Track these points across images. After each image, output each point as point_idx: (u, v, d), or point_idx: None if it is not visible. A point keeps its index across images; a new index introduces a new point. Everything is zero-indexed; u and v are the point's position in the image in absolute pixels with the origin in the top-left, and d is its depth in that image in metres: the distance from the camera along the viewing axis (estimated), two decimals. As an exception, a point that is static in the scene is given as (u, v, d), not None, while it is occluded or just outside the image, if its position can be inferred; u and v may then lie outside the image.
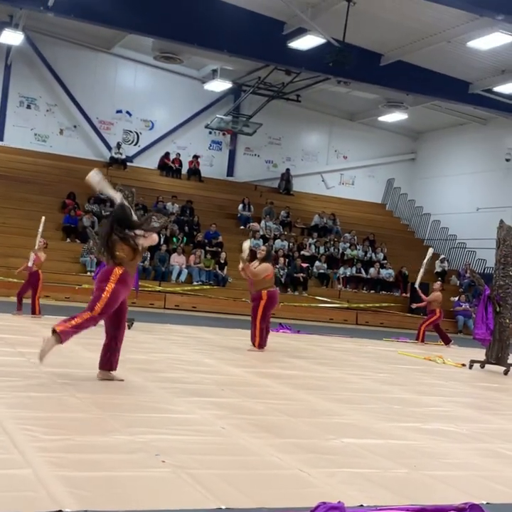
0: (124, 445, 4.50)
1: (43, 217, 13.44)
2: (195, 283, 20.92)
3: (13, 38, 22.21)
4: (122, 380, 6.75)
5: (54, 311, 14.12)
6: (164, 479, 3.94)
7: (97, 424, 4.99)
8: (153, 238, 6.72)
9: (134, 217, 6.79)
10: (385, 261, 24.89)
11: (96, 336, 9.05)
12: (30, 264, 12.73)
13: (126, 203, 6.99)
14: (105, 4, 18.50)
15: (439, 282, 17.20)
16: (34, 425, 4.70)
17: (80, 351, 8.31)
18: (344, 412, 6.49)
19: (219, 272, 21.38)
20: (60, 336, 6.32)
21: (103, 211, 22.09)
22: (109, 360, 6.75)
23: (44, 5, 18.32)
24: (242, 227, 24.86)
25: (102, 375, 6.75)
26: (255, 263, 11.23)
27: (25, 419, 4.85)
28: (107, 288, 6.47)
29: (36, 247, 12.91)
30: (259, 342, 10.73)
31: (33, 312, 12.64)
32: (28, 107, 24.68)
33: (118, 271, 6.51)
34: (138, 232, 6.60)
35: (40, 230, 13.15)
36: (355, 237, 25.66)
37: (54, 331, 6.31)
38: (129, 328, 11.74)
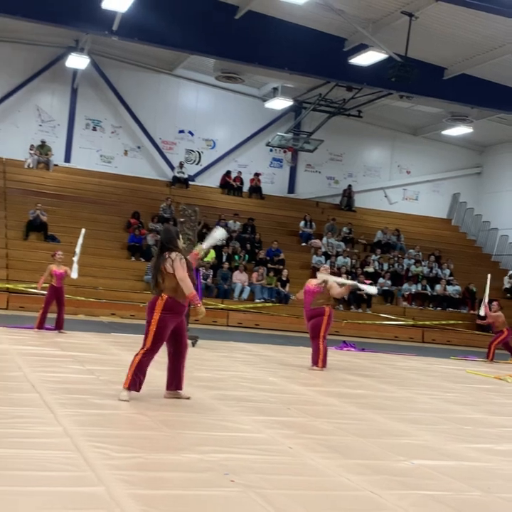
0: (194, 464, 4.51)
1: (83, 230, 13.50)
2: (257, 300, 20.95)
3: (79, 62, 22.82)
4: (189, 398, 6.78)
5: (120, 329, 14.36)
6: (234, 499, 3.93)
7: (166, 443, 5.02)
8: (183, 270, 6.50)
9: (179, 242, 6.71)
10: (452, 277, 24.45)
11: (162, 353, 9.14)
12: (74, 275, 12.66)
13: (171, 227, 7.10)
14: (167, 27, 18.83)
15: (495, 302, 16.76)
16: (105, 443, 4.76)
17: (148, 369, 8.38)
18: (413, 432, 6.36)
19: (281, 289, 21.36)
20: (130, 388, 6.47)
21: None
22: (174, 380, 6.80)
23: (109, 29, 18.76)
24: (303, 244, 24.81)
25: (169, 395, 6.80)
26: (313, 280, 11.14)
27: (97, 437, 4.92)
28: (152, 320, 6.54)
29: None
30: (324, 360, 10.59)
31: (60, 327, 12.39)
32: (94, 129, 25.26)
33: (160, 301, 6.52)
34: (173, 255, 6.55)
35: (80, 241, 13.19)
36: (420, 253, 25.30)
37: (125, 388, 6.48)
38: (193, 345, 11.82)
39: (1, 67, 23.56)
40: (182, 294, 6.52)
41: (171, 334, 6.67)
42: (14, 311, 16.59)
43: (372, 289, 11.01)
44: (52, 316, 12.45)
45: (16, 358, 8.66)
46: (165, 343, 6.69)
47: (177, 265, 6.47)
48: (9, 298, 17.68)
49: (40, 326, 12.31)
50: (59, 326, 12.37)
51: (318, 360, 10.56)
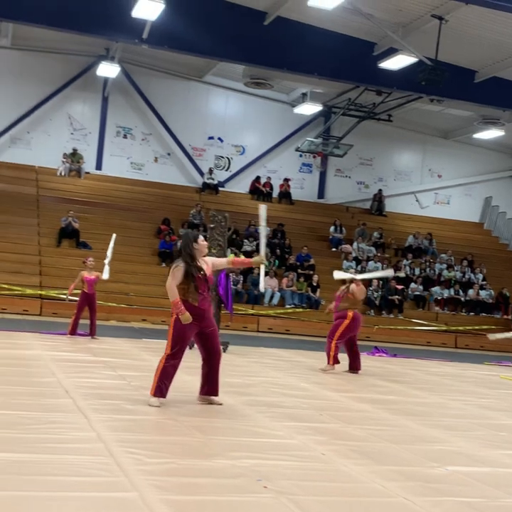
0: (226, 470, 4.51)
1: (114, 235, 13.59)
2: (287, 306, 20.92)
3: (109, 70, 23.06)
4: (221, 404, 6.79)
5: (151, 335, 14.43)
6: (267, 505, 3.92)
7: (198, 448, 5.03)
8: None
9: (196, 245, 6.70)
10: (484, 282, 24.19)
11: (193, 359, 9.15)
12: (105, 276, 12.71)
13: (189, 232, 7.06)
14: (197, 34, 18.94)
15: None
16: (138, 448, 4.78)
17: (178, 375, 8.40)
18: (447, 438, 6.30)
19: (311, 294, 21.31)
20: (155, 395, 6.49)
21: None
22: (206, 385, 6.80)
23: (139, 38, 18.92)
24: (333, 249, 24.73)
25: (201, 400, 6.82)
26: (343, 287, 11.10)
27: (129, 442, 4.94)
28: (170, 324, 6.60)
29: (89, 267, 12.71)
30: (334, 357, 10.59)
31: (93, 333, 12.46)
32: (125, 136, 25.47)
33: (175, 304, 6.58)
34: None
35: (112, 245, 13.27)
36: (452, 258, 25.06)
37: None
38: (224, 351, 11.83)
39: (34, 76, 23.88)
40: (194, 296, 6.52)
41: (198, 339, 6.69)
42: (47, 318, 16.77)
43: (388, 272, 10.91)
44: (84, 322, 12.55)
45: (50, 363, 8.75)
46: (198, 348, 6.71)
47: (170, 274, 6.60)
48: (42, 304, 17.88)
49: (73, 331, 12.42)
50: (92, 332, 12.47)
51: (329, 358, 10.59)
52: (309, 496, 4.12)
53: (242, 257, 6.82)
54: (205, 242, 6.85)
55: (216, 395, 6.83)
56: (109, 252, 13.13)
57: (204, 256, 6.83)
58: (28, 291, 18.35)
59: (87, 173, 24.39)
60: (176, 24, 18.40)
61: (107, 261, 12.91)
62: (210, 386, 6.81)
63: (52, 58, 23.99)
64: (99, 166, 24.93)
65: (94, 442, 4.92)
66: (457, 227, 28.28)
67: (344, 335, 10.69)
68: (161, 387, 6.50)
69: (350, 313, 10.71)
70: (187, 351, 6.79)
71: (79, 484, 3.95)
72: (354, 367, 10.84)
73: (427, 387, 10.20)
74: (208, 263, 6.80)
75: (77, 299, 12.75)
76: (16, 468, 4.13)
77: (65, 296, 13.44)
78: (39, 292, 18.40)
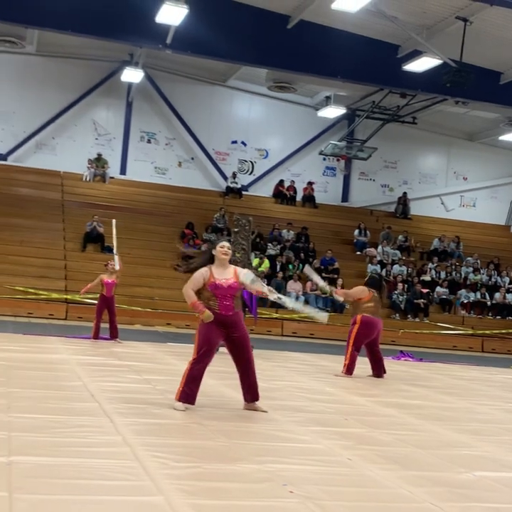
0: (252, 474, 4.50)
1: (114, 220, 13.67)
2: (312, 310, 20.84)
3: (133, 75, 23.22)
4: (265, 411, 6.73)
5: (176, 339, 14.48)
6: (293, 510, 3.90)
7: (224, 453, 5.02)
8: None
9: (215, 251, 6.70)
10: (511, 285, 23.94)
11: (218, 363, 9.16)
12: (116, 267, 12.74)
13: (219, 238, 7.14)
14: (220, 39, 18.99)
15: None
16: (164, 452, 4.78)
17: (204, 379, 8.41)
18: (474, 443, 6.23)
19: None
20: (180, 400, 6.48)
21: (221, 240, 22.49)
22: (246, 392, 6.77)
23: (162, 43, 19.02)
24: (358, 252, 24.63)
25: (247, 407, 6.79)
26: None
27: (155, 446, 4.95)
28: (196, 329, 6.66)
29: (114, 269, 12.70)
30: (348, 366, 10.42)
31: (115, 336, 12.51)
32: (148, 141, 25.61)
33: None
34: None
35: (114, 232, 13.30)
36: (479, 261, 24.83)
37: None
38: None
39: (58, 82, 24.11)
40: (213, 302, 6.52)
41: (227, 346, 6.70)
42: (73, 322, 16.89)
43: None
44: (106, 326, 12.61)
45: (76, 367, 8.81)
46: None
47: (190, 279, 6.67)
48: (68, 308, 18.02)
49: (96, 336, 12.47)
50: (114, 335, 12.52)
51: (343, 367, 10.49)
52: (335, 501, 4.09)
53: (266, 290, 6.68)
54: (224, 249, 6.65)
55: (255, 399, 6.77)
56: (114, 242, 13.21)
57: (229, 263, 6.73)
58: (54, 295, 18.51)
59: (112, 178, 24.55)
60: (199, 29, 18.47)
61: (115, 250, 12.98)
62: (251, 393, 6.75)
63: (76, 64, 24.20)
64: (123, 171, 25.09)
65: (120, 446, 4.93)
66: (483, 230, 28.02)
67: (357, 341, 10.44)
68: (186, 391, 6.48)
69: (359, 317, 10.47)
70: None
71: (105, 488, 3.96)
72: (377, 373, 10.69)
73: (454, 391, 10.10)
74: (236, 272, 6.68)
75: (92, 300, 12.79)
76: (43, 472, 4.15)
77: (82, 296, 13.53)
78: (65, 296, 18.55)
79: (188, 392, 6.49)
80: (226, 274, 6.62)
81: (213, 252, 6.67)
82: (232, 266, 6.77)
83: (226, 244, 6.74)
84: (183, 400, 6.47)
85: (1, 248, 19.87)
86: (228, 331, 6.59)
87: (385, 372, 10.73)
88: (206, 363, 6.59)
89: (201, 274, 6.61)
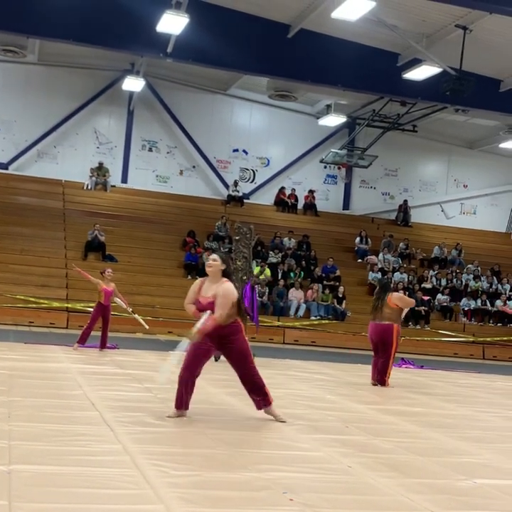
0: (252, 482, 4.50)
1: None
2: (313, 317, 20.86)
3: (135, 84, 23.29)
4: (284, 421, 6.67)
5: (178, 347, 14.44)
6: (293, 518, 3.90)
7: (224, 461, 5.02)
8: None
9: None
10: (512, 292, 23.95)
11: (220, 371, 9.17)
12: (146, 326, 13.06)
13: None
14: (221, 48, 19.04)
15: None
16: (164, 461, 4.79)
17: (205, 387, 8.42)
18: (475, 451, 6.23)
19: (337, 306, 21.23)
20: (179, 411, 6.43)
21: (222, 248, 22.53)
22: (255, 401, 6.74)
23: (163, 52, 19.08)
24: (359, 260, 24.64)
25: (266, 413, 6.75)
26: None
27: (155, 455, 4.95)
28: None
29: (107, 279, 12.57)
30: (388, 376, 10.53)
31: (104, 345, 12.45)
32: (150, 149, 25.67)
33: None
34: None
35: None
36: (479, 268, 24.83)
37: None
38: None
39: (60, 91, 24.19)
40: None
41: (226, 357, 6.70)
42: (74, 330, 16.84)
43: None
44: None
45: (77, 376, 8.81)
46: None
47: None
48: (69, 317, 18.02)
49: (82, 342, 12.19)
50: (103, 344, 12.43)
51: (386, 379, 10.54)
52: (335, 509, 4.10)
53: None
54: (210, 261, 6.53)
55: (269, 404, 6.71)
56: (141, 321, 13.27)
57: (214, 277, 6.48)
58: (55, 304, 18.52)
59: (113, 186, 24.59)
60: (200, 38, 18.53)
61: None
62: (260, 400, 6.68)
63: (78, 73, 24.29)
64: (124, 180, 25.13)
65: (120, 455, 4.94)
66: (484, 237, 28.03)
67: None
68: (176, 394, 6.48)
69: (396, 326, 10.43)
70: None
71: (105, 496, 3.97)
72: (380, 379, 10.71)
73: (455, 399, 10.10)
74: (215, 291, 6.42)
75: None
76: (43, 481, 4.15)
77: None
78: (66, 305, 18.56)
79: (177, 395, 6.46)
80: (210, 290, 6.45)
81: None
82: (224, 280, 6.48)
83: (211, 256, 6.66)
84: (175, 405, 6.45)
85: (2, 257, 19.90)
86: (218, 344, 6.52)
87: (381, 381, 10.62)
88: (193, 371, 6.53)
89: (192, 287, 6.64)
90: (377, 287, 11.36)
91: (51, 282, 19.44)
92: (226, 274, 6.54)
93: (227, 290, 6.36)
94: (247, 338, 6.70)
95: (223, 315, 6.29)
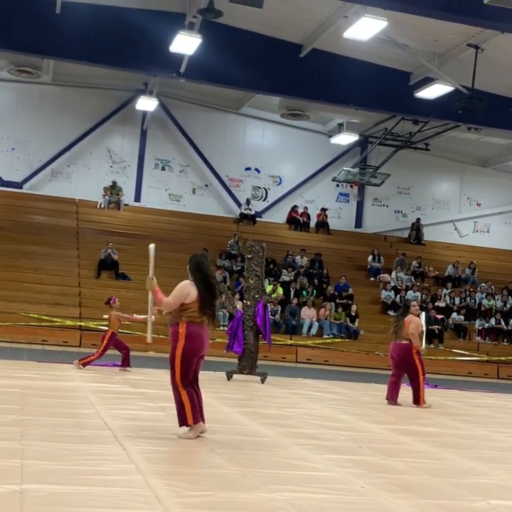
0: (265, 503, 4.47)
1: (152, 245, 12.78)
2: (326, 336, 20.79)
3: (148, 104, 23.49)
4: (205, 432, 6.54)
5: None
6: (306, 539, 3.86)
7: (237, 481, 4.99)
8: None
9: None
10: (527, 311, 23.79)
11: (232, 390, 9.17)
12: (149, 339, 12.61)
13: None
14: (233, 68, 19.20)
15: None
16: (177, 480, 4.77)
17: (217, 406, 8.40)
18: (490, 472, 6.16)
19: (350, 324, 21.16)
20: (188, 425, 6.33)
21: (234, 266, 22.55)
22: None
23: (176, 72, 19.26)
24: (372, 278, 24.58)
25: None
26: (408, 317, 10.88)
27: (168, 474, 4.94)
28: None
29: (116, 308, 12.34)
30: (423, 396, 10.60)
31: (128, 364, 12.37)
32: (163, 168, 25.82)
33: None
34: None
35: (152, 263, 12.47)
36: (493, 287, 24.70)
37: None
38: (262, 382, 11.79)
39: (74, 111, 24.42)
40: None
41: None
42: (86, 349, 16.87)
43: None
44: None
45: (89, 395, 8.81)
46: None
47: None
48: (82, 335, 18.06)
49: (85, 365, 11.90)
50: (127, 363, 12.42)
51: (420, 398, 10.66)
52: (349, 531, 4.06)
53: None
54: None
55: (179, 425, 6.48)
56: (150, 269, 12.36)
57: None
58: (68, 322, 18.57)
59: (126, 205, 24.73)
60: (212, 58, 18.70)
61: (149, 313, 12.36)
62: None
63: (92, 93, 24.53)
64: (137, 198, 25.27)
65: (132, 474, 4.92)
66: (497, 255, 27.90)
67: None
68: (185, 413, 6.35)
69: (416, 345, 10.60)
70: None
71: (118, 516, 3.95)
72: (394, 397, 10.68)
73: (469, 418, 10.01)
74: None
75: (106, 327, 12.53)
76: (56, 500, 4.14)
77: (104, 326, 13.36)
78: (79, 323, 18.60)
79: (191, 412, 6.37)
80: None
81: None
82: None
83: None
84: (191, 422, 6.35)
85: (16, 275, 20.00)
86: None
87: (392, 400, 10.65)
88: (188, 377, 6.69)
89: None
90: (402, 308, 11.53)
91: (64, 300, 19.52)
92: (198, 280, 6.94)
93: (180, 284, 6.92)
94: (181, 353, 6.80)
95: (168, 301, 6.91)
